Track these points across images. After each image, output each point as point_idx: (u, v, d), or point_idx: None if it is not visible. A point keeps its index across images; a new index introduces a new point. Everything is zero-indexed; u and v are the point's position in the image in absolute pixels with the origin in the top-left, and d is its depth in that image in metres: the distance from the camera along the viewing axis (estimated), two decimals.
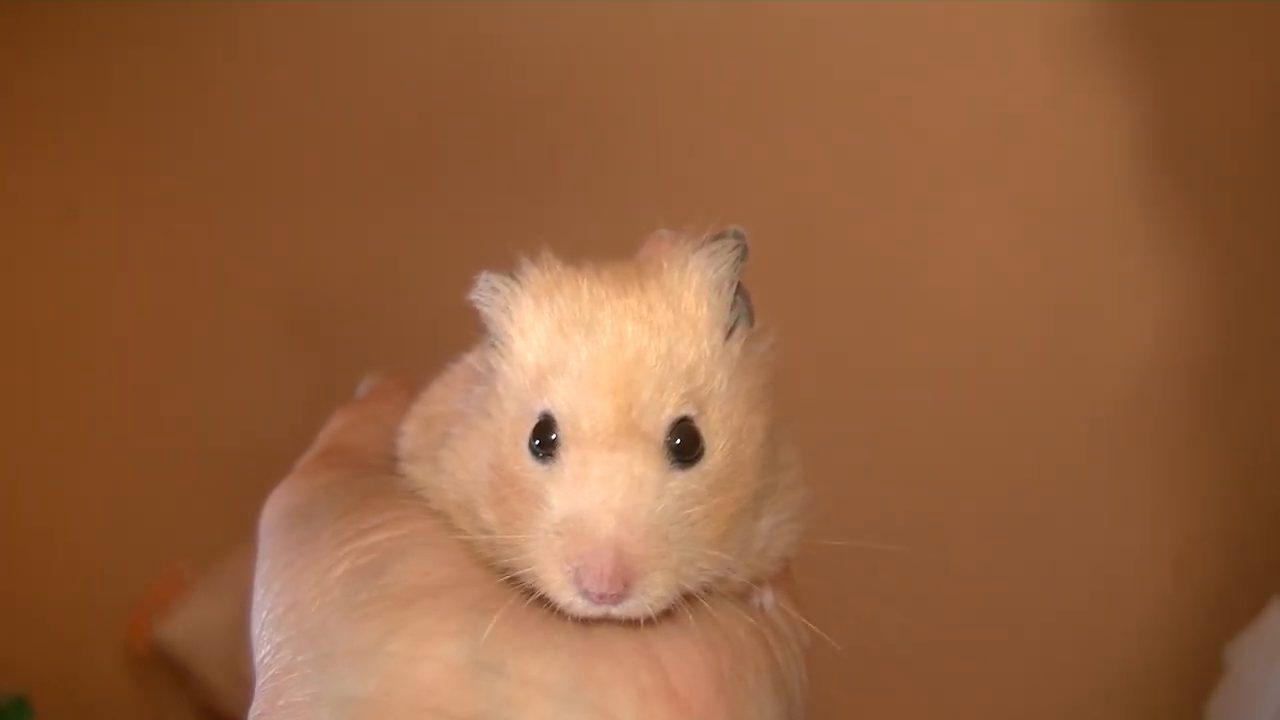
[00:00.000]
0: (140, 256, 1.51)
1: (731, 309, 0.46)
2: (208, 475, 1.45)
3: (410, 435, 0.53)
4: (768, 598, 0.50)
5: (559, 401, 0.43)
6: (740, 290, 0.47)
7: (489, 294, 0.47)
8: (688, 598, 0.43)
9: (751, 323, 0.48)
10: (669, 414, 0.42)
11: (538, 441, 0.43)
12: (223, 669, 1.32)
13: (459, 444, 0.47)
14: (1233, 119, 1.20)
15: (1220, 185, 1.21)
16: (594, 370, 0.43)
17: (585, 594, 0.41)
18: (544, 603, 0.42)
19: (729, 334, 0.46)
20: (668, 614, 0.43)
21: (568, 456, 0.42)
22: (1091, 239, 1.25)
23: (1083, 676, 1.24)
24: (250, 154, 1.47)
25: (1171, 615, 1.22)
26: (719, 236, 0.47)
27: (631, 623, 0.42)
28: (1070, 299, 1.25)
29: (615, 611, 0.41)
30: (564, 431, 0.43)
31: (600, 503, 0.41)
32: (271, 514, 0.50)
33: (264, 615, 0.46)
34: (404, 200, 1.42)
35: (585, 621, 0.42)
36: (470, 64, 1.40)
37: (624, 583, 0.41)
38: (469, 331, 0.51)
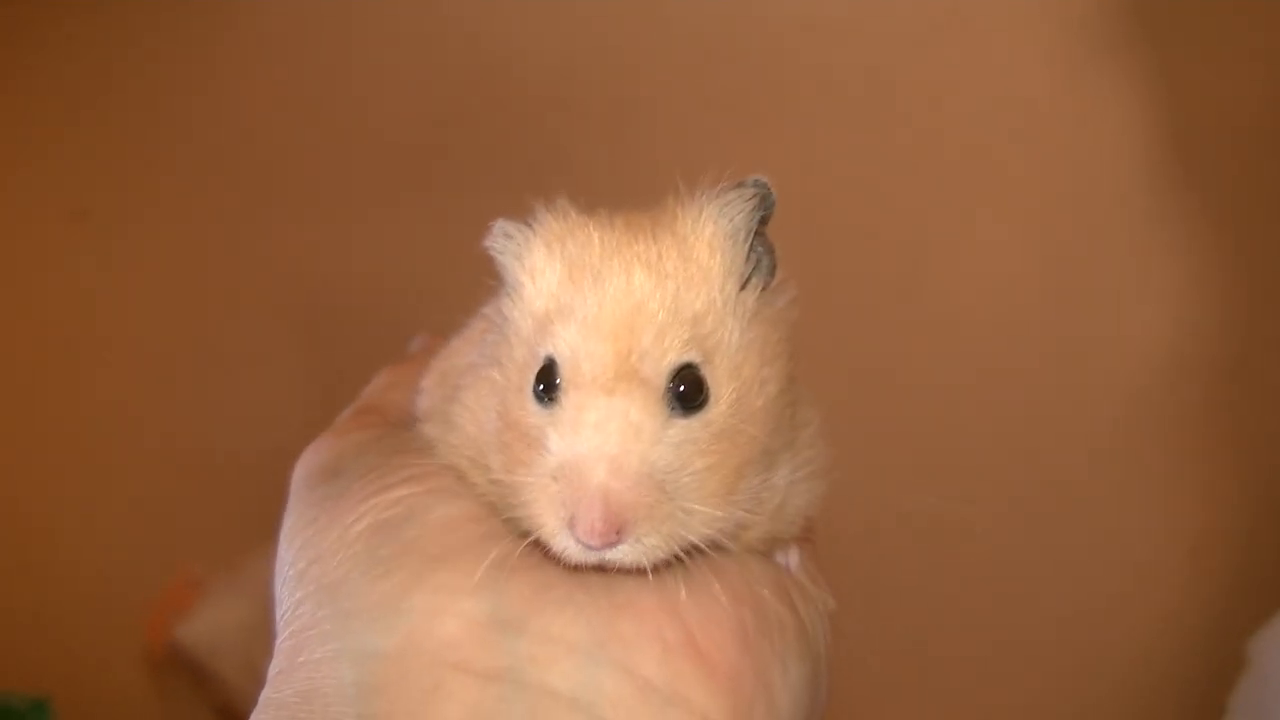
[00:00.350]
0: (151, 259, 1.51)
1: (748, 259, 0.46)
2: (222, 478, 1.46)
3: (428, 391, 0.53)
4: (793, 557, 0.50)
5: (561, 345, 0.43)
6: (763, 241, 0.47)
7: (503, 240, 0.47)
8: (703, 551, 0.43)
9: (773, 275, 0.47)
10: (671, 359, 0.42)
11: (541, 386, 0.43)
12: (240, 670, 1.32)
13: (468, 395, 0.47)
14: (1242, 117, 1.20)
15: (1230, 183, 1.21)
16: (598, 315, 0.42)
17: (579, 540, 0.41)
18: (542, 548, 0.42)
19: (744, 284, 0.46)
20: (691, 569, 0.43)
21: (567, 400, 0.42)
22: (1102, 237, 1.24)
23: (1102, 671, 1.23)
24: (259, 157, 1.47)
25: (1190, 610, 1.21)
26: (736, 186, 0.46)
27: (655, 578, 0.42)
28: (1083, 296, 1.25)
29: (609, 557, 0.41)
30: (565, 375, 0.42)
31: (594, 448, 0.41)
32: (301, 471, 0.50)
33: (286, 571, 0.46)
34: (414, 203, 1.42)
35: (607, 578, 0.42)
36: (477, 66, 1.40)
37: (614, 530, 0.40)
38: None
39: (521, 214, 0.48)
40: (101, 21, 1.49)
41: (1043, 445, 1.25)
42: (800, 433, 0.48)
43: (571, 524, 0.40)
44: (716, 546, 0.43)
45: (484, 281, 0.49)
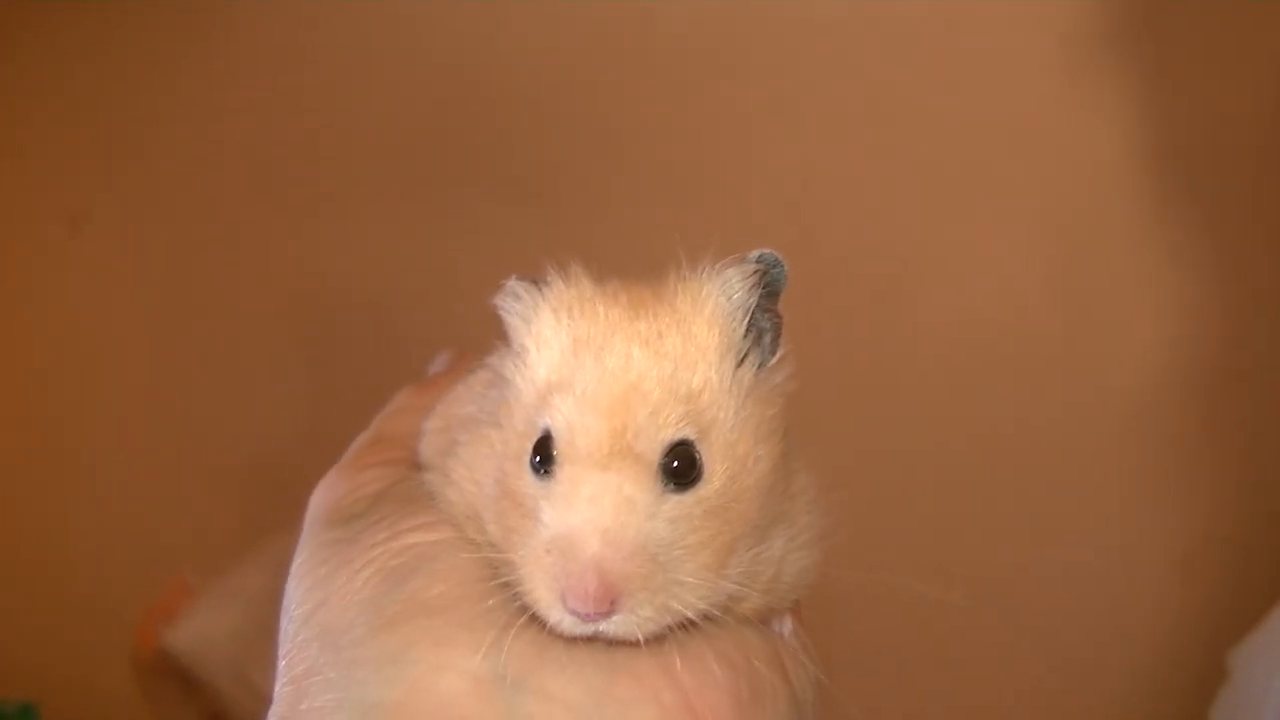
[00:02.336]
0: (148, 265, 1.51)
1: (748, 335, 0.46)
2: (215, 484, 1.46)
3: (430, 437, 0.53)
4: (787, 626, 0.50)
5: (558, 419, 0.43)
6: (769, 316, 0.47)
7: (513, 301, 0.47)
8: (696, 623, 0.43)
9: (775, 350, 0.47)
10: (665, 436, 0.43)
11: (538, 458, 0.44)
12: (230, 676, 1.32)
13: (466, 452, 0.48)
14: (1241, 127, 1.20)
15: (1229, 191, 1.21)
16: (595, 391, 0.43)
17: (573, 612, 0.41)
18: (540, 620, 0.42)
19: (741, 361, 0.46)
20: (689, 636, 0.43)
21: (562, 474, 0.43)
22: (1099, 245, 1.25)
23: (1086, 680, 1.24)
24: (260, 163, 1.47)
25: (1175, 620, 1.22)
26: (738, 261, 0.46)
27: (652, 644, 0.42)
28: (1078, 305, 1.25)
29: (603, 629, 0.41)
30: (560, 449, 0.43)
31: (587, 521, 0.41)
32: (316, 508, 0.50)
33: (293, 610, 0.46)
34: (415, 209, 1.42)
35: (606, 647, 0.42)
36: (480, 72, 1.40)
37: (608, 601, 0.41)
38: (482, 339, 0.51)
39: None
40: (101, 28, 1.49)
41: (1032, 456, 1.26)
42: (794, 502, 0.49)
43: (565, 596, 0.41)
44: (709, 618, 0.44)
45: (504, 285, 0.48)
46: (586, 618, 0.41)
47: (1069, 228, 1.25)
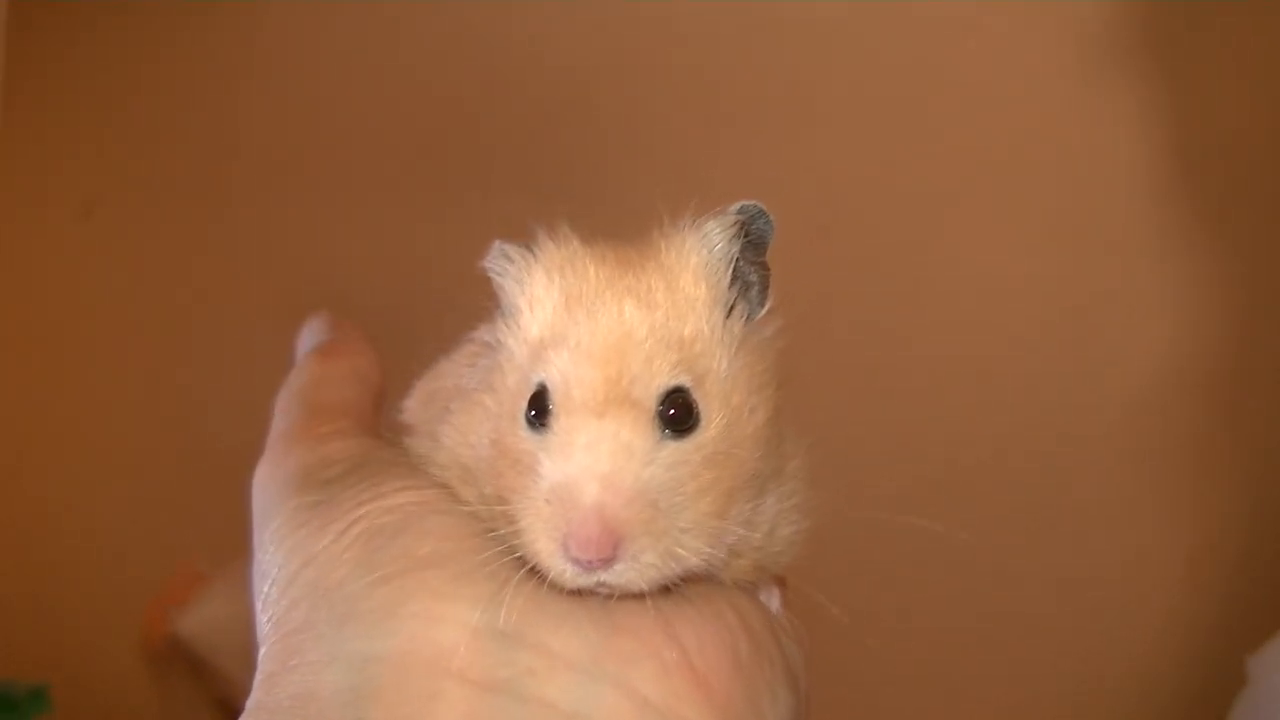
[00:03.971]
0: (157, 253, 1.51)
1: (732, 287, 0.47)
2: (225, 471, 1.44)
3: (411, 410, 0.53)
4: (775, 600, 0.50)
5: (553, 372, 0.43)
6: (756, 268, 0.47)
7: (503, 263, 0.48)
8: (696, 580, 0.43)
9: (764, 302, 0.47)
10: (660, 382, 0.43)
11: (533, 412, 0.44)
12: (239, 662, 1.32)
13: (459, 418, 0.48)
14: (1254, 128, 1.19)
15: (1242, 194, 1.20)
16: (589, 343, 0.43)
17: (575, 561, 0.41)
18: (540, 576, 0.42)
19: (729, 313, 0.46)
20: (686, 596, 0.43)
21: (558, 425, 0.42)
22: (1110, 246, 1.24)
23: (1096, 684, 1.23)
24: (271, 153, 1.47)
25: (1189, 624, 1.21)
26: (717, 214, 0.47)
27: (651, 601, 0.42)
28: (1088, 306, 1.24)
29: (606, 579, 0.41)
30: (556, 401, 0.43)
31: (585, 468, 0.41)
32: (277, 474, 0.49)
33: (274, 572, 0.45)
34: (423, 201, 1.42)
35: (603, 598, 0.42)
36: (486, 67, 1.40)
37: (611, 546, 0.40)
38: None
39: (520, 232, 0.48)
40: (110, 19, 1.49)
41: (1042, 457, 1.25)
42: (786, 463, 0.49)
43: (566, 544, 0.40)
44: (712, 574, 0.44)
45: (491, 248, 0.49)
46: (588, 565, 0.41)
47: (1081, 229, 1.25)
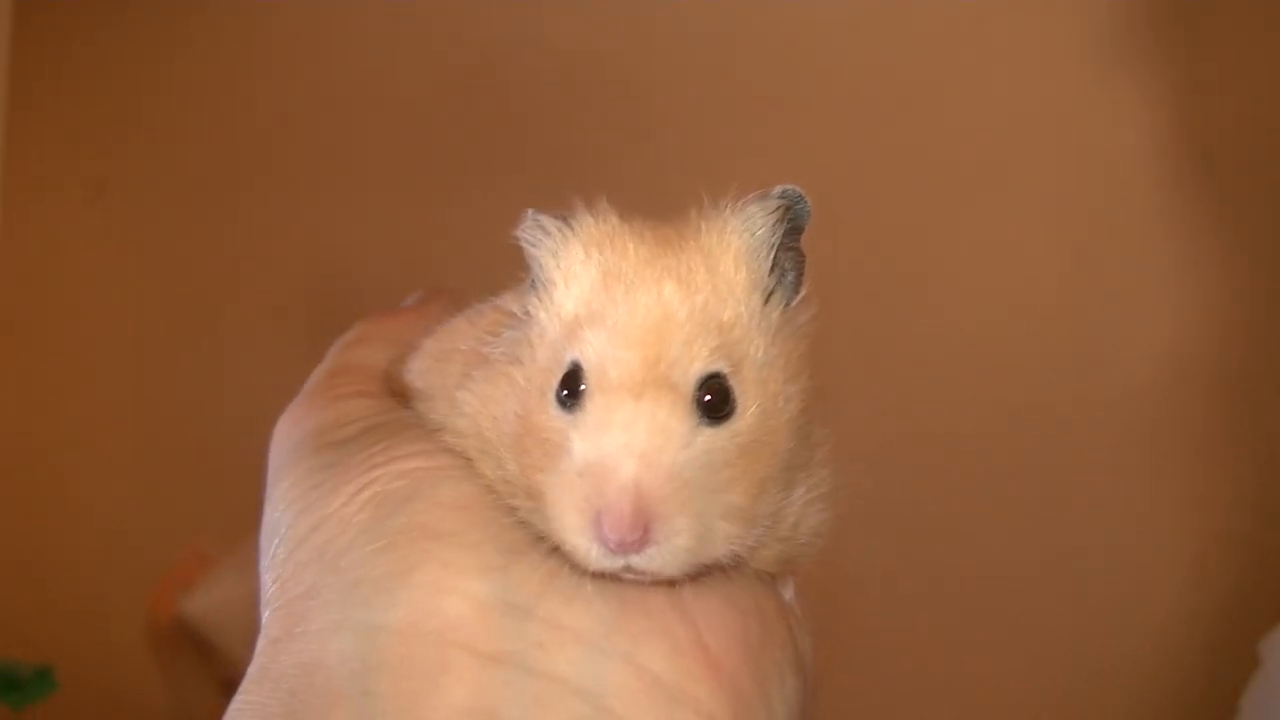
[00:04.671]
0: (166, 234, 1.51)
1: (772, 273, 0.45)
2: (233, 454, 1.45)
3: (422, 372, 0.51)
4: (789, 589, 0.49)
5: (589, 351, 0.42)
6: (792, 254, 0.46)
7: (538, 235, 0.46)
8: (723, 566, 0.42)
9: (798, 289, 0.46)
10: (699, 367, 0.41)
11: (565, 391, 0.42)
12: (245, 643, 1.32)
13: (482, 387, 0.46)
14: (1266, 123, 1.18)
15: (1252, 189, 1.19)
16: (627, 323, 0.42)
17: (603, 541, 0.39)
18: (553, 549, 0.41)
19: (768, 298, 0.45)
20: (698, 579, 0.42)
21: (593, 404, 0.41)
22: (1119, 241, 1.24)
23: (1112, 672, 1.23)
24: (278, 135, 1.47)
25: (1199, 611, 1.21)
26: (761, 197, 0.45)
27: (661, 582, 0.41)
28: (1097, 301, 1.24)
29: (635, 562, 0.40)
30: (590, 380, 0.41)
31: (623, 445, 0.40)
32: (294, 432, 0.48)
33: (283, 532, 0.44)
34: (432, 188, 1.41)
35: (615, 580, 0.41)
36: (498, 57, 1.40)
37: (645, 526, 0.39)
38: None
39: (552, 207, 0.47)
40: (121, 3, 1.49)
41: (1052, 448, 1.25)
42: (815, 452, 0.48)
43: (597, 521, 0.39)
44: (737, 563, 0.42)
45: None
46: (618, 547, 0.39)
47: (1091, 222, 1.24)
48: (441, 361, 0.50)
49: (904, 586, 1.22)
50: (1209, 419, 1.20)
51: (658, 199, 0.48)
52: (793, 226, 0.46)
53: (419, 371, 0.51)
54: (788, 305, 0.46)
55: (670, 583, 0.41)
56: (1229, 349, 1.20)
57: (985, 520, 1.24)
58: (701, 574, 0.42)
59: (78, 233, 1.54)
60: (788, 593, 0.49)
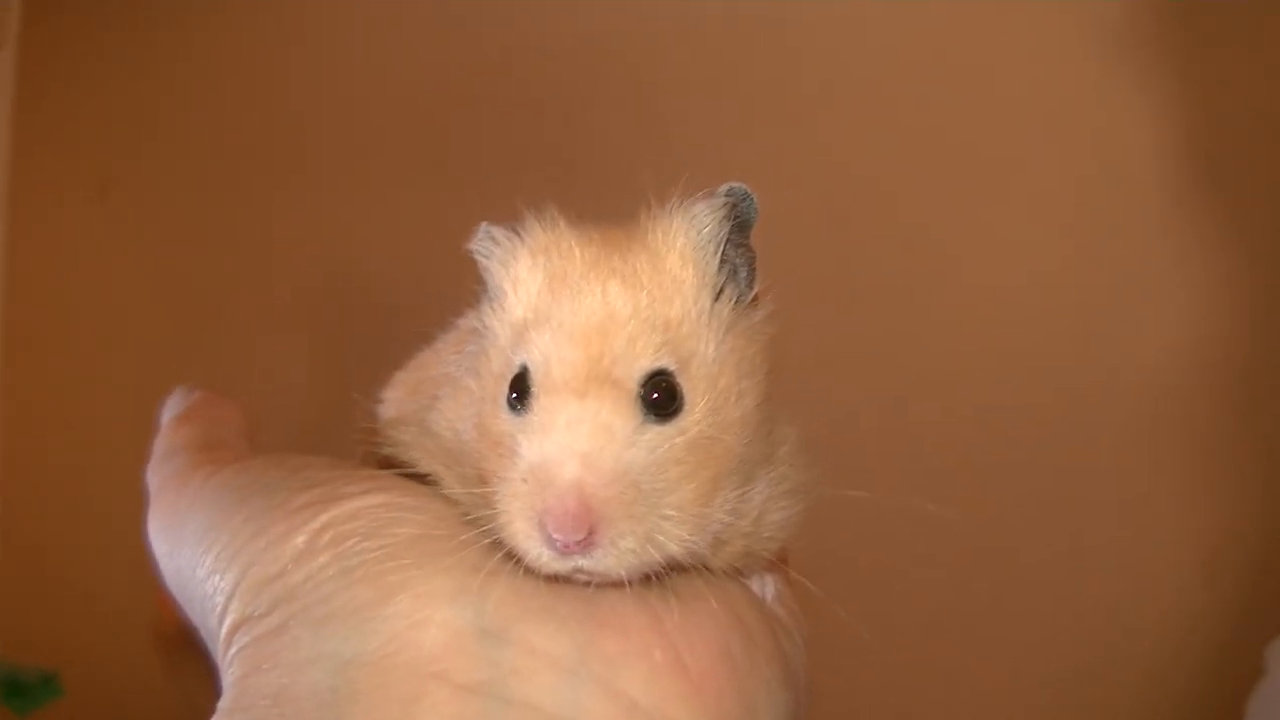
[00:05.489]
0: (173, 233, 1.51)
1: (722, 270, 0.45)
2: None
3: (395, 401, 0.52)
4: (769, 589, 0.49)
5: (534, 353, 0.42)
6: (743, 252, 0.46)
7: (488, 245, 0.47)
8: (681, 566, 0.42)
9: (751, 286, 0.46)
10: (643, 364, 0.42)
11: (514, 394, 0.43)
12: None
13: (446, 405, 0.47)
14: (1266, 119, 1.18)
15: (1259, 184, 1.19)
16: (570, 323, 0.42)
17: (551, 543, 0.39)
18: (516, 559, 0.41)
19: (718, 296, 0.45)
20: (674, 590, 0.42)
21: (538, 405, 0.41)
22: (1126, 237, 1.23)
23: (1119, 676, 1.22)
24: (284, 131, 1.47)
25: (1206, 615, 1.20)
26: (706, 196, 0.46)
27: (636, 593, 0.40)
28: (1103, 298, 1.23)
29: (584, 564, 0.40)
30: (536, 381, 0.42)
31: (564, 447, 0.40)
32: (202, 496, 0.47)
33: (231, 587, 0.43)
34: (433, 186, 1.41)
35: (589, 591, 0.41)
36: (499, 54, 1.40)
37: (589, 527, 0.39)
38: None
39: (509, 217, 0.48)
40: (132, 8, 1.49)
41: (1059, 450, 1.24)
42: (777, 449, 0.48)
43: (542, 522, 0.39)
44: (693, 563, 0.42)
45: (477, 230, 0.48)
46: (566, 549, 0.39)
47: (1097, 218, 1.24)
48: (413, 391, 0.51)
49: (904, 586, 1.21)
50: (1218, 418, 1.20)
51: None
52: (740, 223, 0.46)
53: (393, 400, 0.53)
54: (740, 302, 0.46)
55: (645, 596, 0.41)
56: (1235, 348, 1.19)
57: (987, 520, 1.23)
58: (671, 577, 0.42)
59: (84, 233, 1.54)
60: (769, 591, 0.49)
